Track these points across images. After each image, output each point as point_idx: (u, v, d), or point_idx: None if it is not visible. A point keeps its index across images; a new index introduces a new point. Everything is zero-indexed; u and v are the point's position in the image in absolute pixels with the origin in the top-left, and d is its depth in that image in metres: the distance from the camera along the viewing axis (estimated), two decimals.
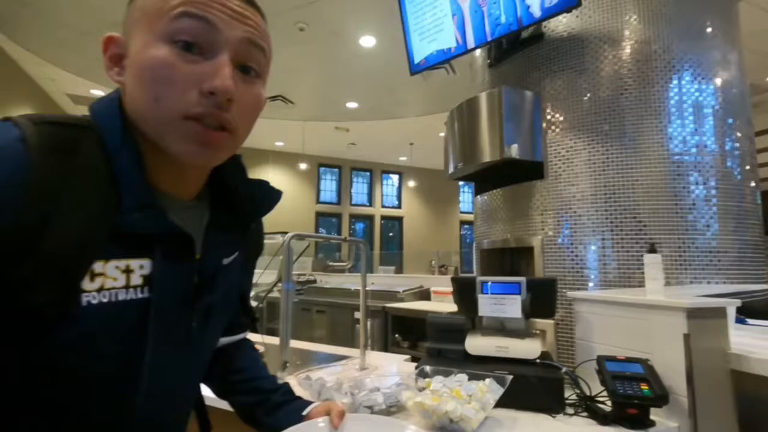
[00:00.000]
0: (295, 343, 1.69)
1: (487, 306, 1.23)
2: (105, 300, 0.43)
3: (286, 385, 0.77)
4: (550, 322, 1.85)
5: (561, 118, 1.97)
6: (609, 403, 1.00)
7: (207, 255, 0.54)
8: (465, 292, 1.31)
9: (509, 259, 2.36)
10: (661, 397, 0.91)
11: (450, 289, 3.84)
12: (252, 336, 0.84)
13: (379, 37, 4.74)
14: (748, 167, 1.89)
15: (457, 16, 2.18)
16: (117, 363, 0.45)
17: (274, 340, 1.68)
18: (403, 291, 3.76)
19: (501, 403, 0.97)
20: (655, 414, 0.97)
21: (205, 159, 0.48)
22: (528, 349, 1.17)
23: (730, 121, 1.88)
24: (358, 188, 10.99)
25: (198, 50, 0.45)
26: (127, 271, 0.45)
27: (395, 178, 11.44)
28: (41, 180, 0.38)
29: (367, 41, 4.85)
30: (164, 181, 0.50)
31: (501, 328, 1.27)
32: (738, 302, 1.14)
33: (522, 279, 1.22)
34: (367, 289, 1.59)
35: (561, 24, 2.01)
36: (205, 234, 0.55)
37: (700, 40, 1.89)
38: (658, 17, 1.87)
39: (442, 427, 0.93)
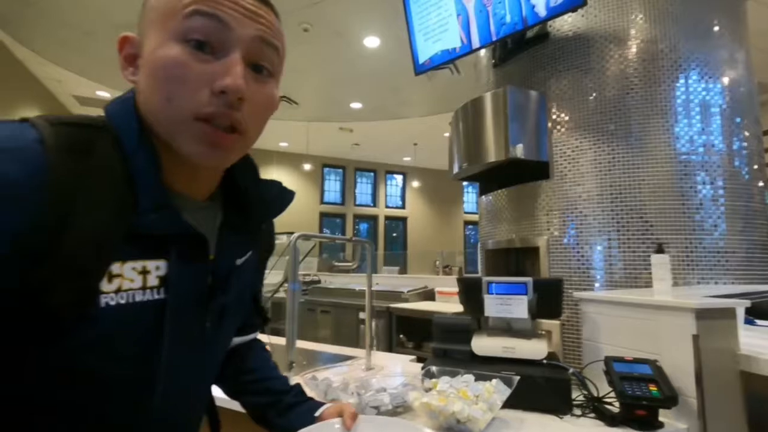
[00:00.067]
0: (300, 344, 1.69)
1: (494, 306, 1.23)
2: (122, 301, 0.43)
3: (298, 386, 0.77)
4: (556, 322, 1.84)
5: (566, 118, 1.97)
6: (617, 404, 1.00)
7: (220, 255, 0.54)
8: (471, 292, 1.31)
9: (514, 260, 2.35)
10: (671, 399, 0.91)
11: (455, 289, 3.82)
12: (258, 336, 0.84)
13: (383, 37, 4.74)
14: (756, 167, 1.88)
15: (462, 16, 2.18)
16: (134, 364, 0.45)
17: (280, 341, 1.68)
18: (408, 291, 3.75)
19: (508, 404, 0.97)
20: (663, 415, 0.96)
21: (215, 160, 0.48)
22: (535, 349, 1.16)
23: (738, 120, 1.86)
24: (362, 189, 11.00)
25: (210, 49, 0.45)
26: (144, 272, 0.45)
27: (399, 178, 11.44)
28: (59, 181, 0.39)
29: (371, 42, 4.85)
30: (178, 182, 0.50)
31: (507, 328, 1.26)
32: (747, 303, 1.13)
33: (528, 279, 1.21)
34: (372, 289, 1.59)
35: (566, 23, 2.00)
36: (218, 234, 0.55)
37: (707, 38, 1.88)
38: (664, 16, 1.86)
39: (449, 428, 0.92)
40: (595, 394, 1.07)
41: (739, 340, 1.02)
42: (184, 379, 0.51)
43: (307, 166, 9.33)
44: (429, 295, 3.95)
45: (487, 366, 1.14)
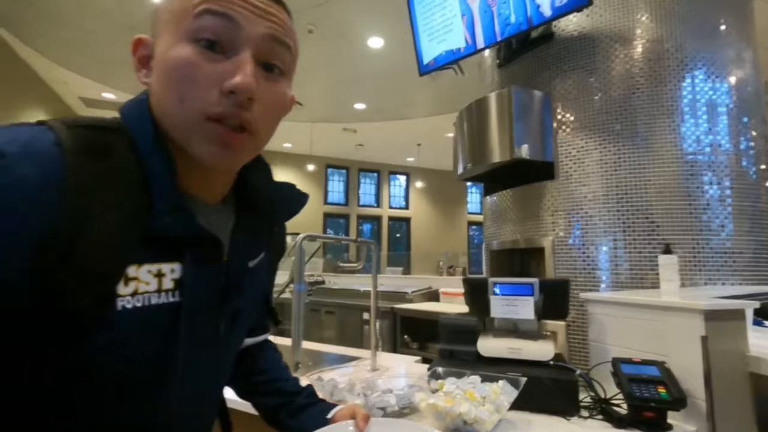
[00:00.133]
0: (305, 344, 1.70)
1: (500, 307, 1.23)
2: (139, 304, 0.43)
3: (309, 387, 0.77)
4: (562, 323, 1.83)
5: (572, 118, 1.96)
6: (625, 406, 0.99)
7: (234, 258, 0.54)
8: (477, 293, 1.31)
9: (519, 260, 2.35)
10: (679, 401, 0.90)
11: (459, 290, 3.81)
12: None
13: (387, 38, 4.74)
14: (763, 166, 1.86)
15: (467, 16, 2.17)
16: (150, 367, 0.45)
17: (285, 341, 1.68)
18: (412, 292, 3.75)
19: (514, 406, 0.96)
20: (672, 417, 0.96)
21: (226, 160, 0.47)
22: (541, 350, 1.16)
23: (745, 119, 1.85)
24: (366, 189, 11.01)
25: (220, 48, 0.45)
26: (159, 275, 0.45)
27: (403, 179, 11.43)
28: (77, 184, 0.38)
29: (375, 42, 4.85)
30: (192, 184, 0.50)
31: (513, 329, 1.26)
32: (756, 304, 1.12)
33: (535, 280, 1.21)
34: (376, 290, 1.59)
35: (571, 23, 1.99)
36: (231, 237, 0.54)
37: (713, 38, 1.87)
38: (670, 15, 1.85)
39: (455, 429, 0.92)
40: (603, 396, 1.07)
41: (748, 342, 1.01)
42: (198, 381, 0.51)
43: (310, 167, 9.35)
44: (433, 295, 3.95)
45: (493, 367, 1.14)
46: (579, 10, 1.80)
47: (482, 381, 1.02)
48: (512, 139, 1.93)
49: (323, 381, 1.13)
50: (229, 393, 0.71)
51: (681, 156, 1.76)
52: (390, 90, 6.22)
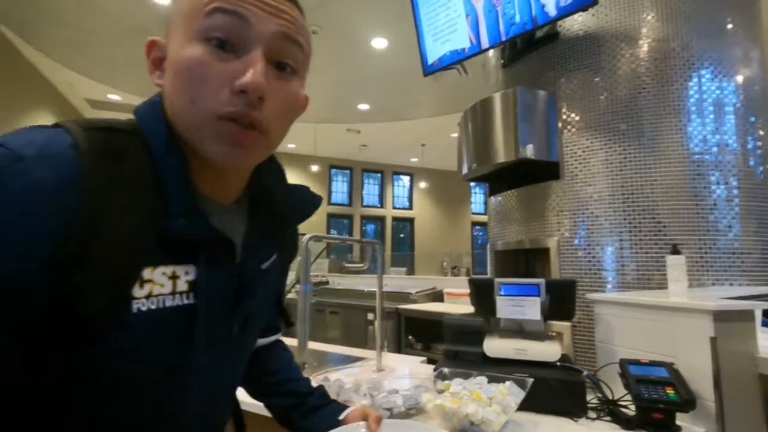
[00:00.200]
0: (310, 344, 1.70)
1: (506, 308, 1.22)
2: (153, 306, 0.42)
3: (321, 388, 0.78)
4: (567, 324, 1.83)
5: (577, 118, 1.95)
6: (632, 407, 0.99)
7: (247, 260, 0.53)
8: (482, 293, 1.31)
9: (524, 261, 2.34)
10: (688, 402, 0.89)
11: (463, 290, 3.79)
12: None
13: (391, 38, 4.74)
14: None
15: (471, 16, 2.17)
16: (164, 369, 0.44)
17: (290, 342, 1.68)
18: (416, 293, 3.74)
19: (521, 407, 0.96)
20: (680, 419, 0.95)
21: (237, 160, 0.46)
22: (547, 351, 1.15)
23: (752, 119, 1.83)
24: (370, 190, 11.01)
25: (231, 47, 0.44)
26: (174, 277, 0.45)
27: (406, 179, 11.43)
28: (94, 186, 0.39)
29: (379, 43, 4.86)
30: (205, 186, 0.49)
31: (519, 330, 1.26)
32: (765, 305, 1.11)
33: (541, 281, 1.21)
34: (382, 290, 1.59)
35: (576, 23, 1.99)
36: (244, 238, 0.54)
37: (720, 37, 1.85)
38: (676, 14, 1.84)
39: (462, 430, 0.92)
40: (610, 397, 1.06)
41: (758, 343, 1.01)
42: (212, 382, 0.51)
43: (314, 168, 9.36)
44: (437, 296, 3.94)
45: (499, 368, 1.13)
46: (584, 9, 1.79)
47: (489, 382, 1.01)
48: (517, 139, 1.93)
49: (329, 381, 1.13)
50: (243, 395, 0.72)
51: (688, 156, 1.75)
52: (394, 90, 6.22)
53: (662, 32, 1.83)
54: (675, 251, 1.34)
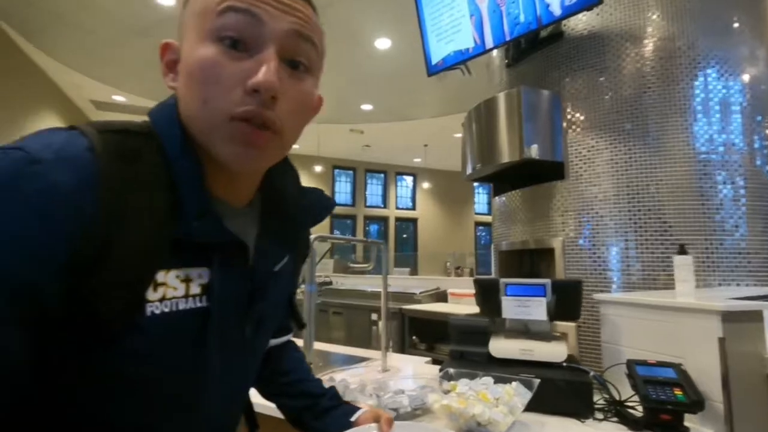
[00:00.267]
0: (315, 345, 1.70)
1: (512, 308, 1.22)
2: (166, 310, 0.42)
3: (333, 389, 0.78)
4: (572, 324, 1.82)
5: (582, 118, 1.95)
6: (640, 408, 0.98)
7: (259, 262, 0.53)
8: (488, 293, 1.30)
9: (529, 261, 2.33)
10: (697, 403, 0.89)
11: (467, 291, 3.78)
12: None
13: (395, 39, 4.75)
14: None
15: (475, 16, 2.17)
16: (178, 371, 0.44)
17: (296, 342, 1.69)
18: (420, 293, 3.74)
19: (527, 407, 0.96)
20: (688, 420, 0.95)
21: (250, 161, 0.46)
22: (554, 352, 1.15)
23: (759, 118, 1.82)
24: (373, 190, 11.01)
25: (243, 46, 0.44)
26: (187, 280, 0.44)
27: (409, 179, 11.43)
28: (110, 189, 0.38)
29: (383, 43, 4.86)
30: (219, 188, 0.49)
31: (525, 330, 1.25)
32: None
33: (547, 281, 1.20)
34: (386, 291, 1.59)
35: (581, 22, 1.98)
36: (256, 241, 0.54)
37: (726, 36, 1.84)
38: (681, 13, 1.83)
39: (469, 431, 0.92)
40: (617, 398, 1.05)
41: (767, 344, 1.00)
42: (225, 384, 0.51)
43: (317, 168, 9.37)
44: (441, 296, 3.94)
45: (504, 368, 1.13)
46: (589, 8, 1.78)
47: (495, 382, 1.01)
48: (522, 139, 1.92)
49: (335, 382, 1.13)
50: (255, 396, 0.72)
51: (693, 155, 1.74)
52: (397, 91, 6.22)
53: (667, 31, 1.83)
54: (682, 251, 1.33)
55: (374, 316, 3.62)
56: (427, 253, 10.48)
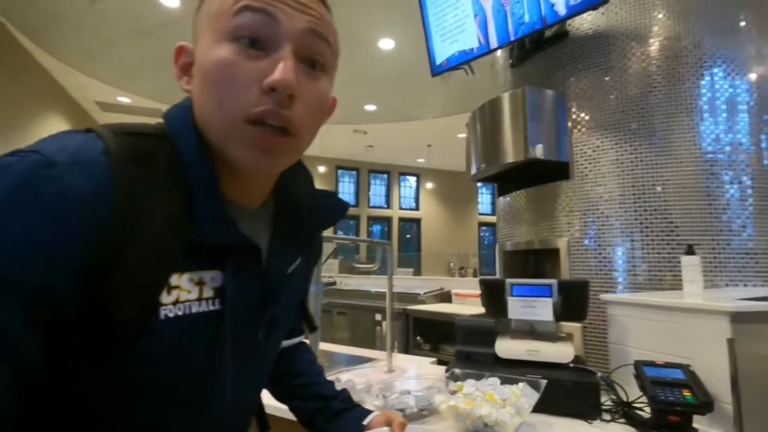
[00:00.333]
0: (320, 345, 1.70)
1: (518, 309, 1.22)
2: (180, 313, 0.42)
3: (345, 391, 0.78)
4: (577, 325, 1.81)
5: (587, 118, 1.94)
6: (648, 409, 0.98)
7: (272, 264, 0.53)
8: (494, 294, 1.30)
9: (533, 261, 2.32)
10: (706, 404, 0.88)
11: (471, 291, 3.77)
12: None
13: (398, 39, 4.75)
14: None
15: (479, 16, 2.17)
16: (191, 374, 0.44)
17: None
18: (424, 293, 3.74)
19: (534, 408, 0.95)
20: (697, 421, 0.94)
21: (266, 165, 0.46)
22: (560, 352, 1.15)
23: (766, 117, 1.81)
24: (376, 190, 11.01)
25: (260, 46, 0.43)
26: (200, 283, 0.44)
27: (413, 180, 11.42)
28: (125, 192, 0.38)
29: (386, 44, 4.86)
30: (232, 190, 0.49)
31: (531, 331, 1.25)
32: None
33: (553, 281, 1.20)
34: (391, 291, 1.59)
35: (586, 22, 1.97)
36: (269, 243, 0.54)
37: (732, 34, 1.83)
38: (687, 12, 1.82)
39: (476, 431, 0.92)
40: (625, 399, 1.05)
41: None
42: (238, 387, 0.50)
43: (321, 169, 9.39)
44: (445, 296, 3.93)
45: (511, 369, 1.13)
46: (594, 8, 1.78)
47: (502, 383, 1.01)
48: (526, 139, 1.92)
49: (341, 382, 1.13)
50: (267, 398, 0.72)
51: (700, 155, 1.73)
52: (400, 91, 6.22)
53: (673, 30, 1.82)
54: (690, 252, 1.33)
55: (378, 317, 3.62)
56: (430, 253, 10.47)
